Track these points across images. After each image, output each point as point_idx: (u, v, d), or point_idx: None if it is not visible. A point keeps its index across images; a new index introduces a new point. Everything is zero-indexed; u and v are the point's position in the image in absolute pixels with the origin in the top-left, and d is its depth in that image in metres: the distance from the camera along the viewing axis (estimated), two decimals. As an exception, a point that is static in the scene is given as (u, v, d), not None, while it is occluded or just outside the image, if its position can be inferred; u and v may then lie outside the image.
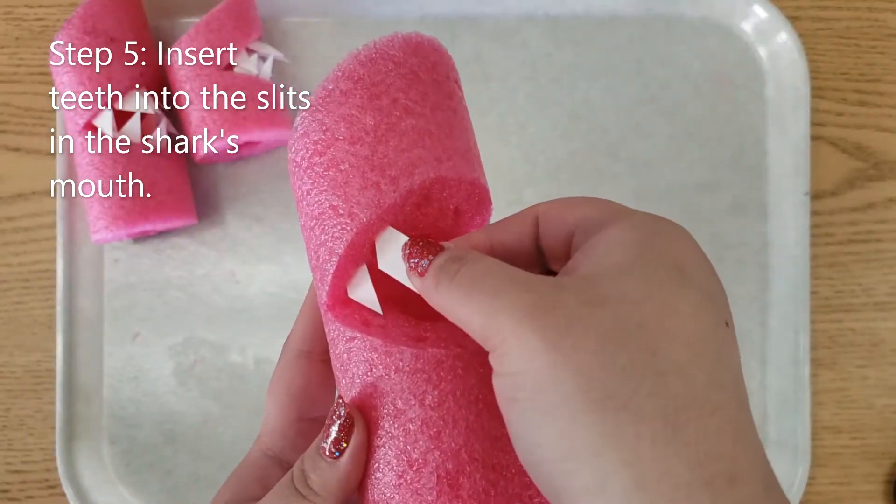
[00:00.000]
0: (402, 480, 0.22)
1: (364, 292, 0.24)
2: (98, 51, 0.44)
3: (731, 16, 0.49)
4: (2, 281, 0.50)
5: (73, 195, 0.48)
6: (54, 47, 0.44)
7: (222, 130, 0.44)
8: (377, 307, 0.24)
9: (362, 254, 0.24)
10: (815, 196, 0.50)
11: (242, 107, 0.45)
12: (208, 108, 0.44)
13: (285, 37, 0.49)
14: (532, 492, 0.23)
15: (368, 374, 0.23)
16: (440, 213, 0.26)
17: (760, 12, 0.49)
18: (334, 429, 0.23)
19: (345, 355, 0.24)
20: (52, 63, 0.45)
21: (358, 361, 0.24)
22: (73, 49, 0.44)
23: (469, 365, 0.23)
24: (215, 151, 0.46)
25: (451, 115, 0.24)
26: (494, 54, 0.49)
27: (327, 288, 0.24)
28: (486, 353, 0.20)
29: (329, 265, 0.24)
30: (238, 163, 0.49)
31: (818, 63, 0.51)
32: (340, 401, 0.24)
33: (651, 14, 0.50)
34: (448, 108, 0.24)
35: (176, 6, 0.49)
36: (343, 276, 0.24)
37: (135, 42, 0.45)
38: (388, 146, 0.23)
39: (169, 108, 0.48)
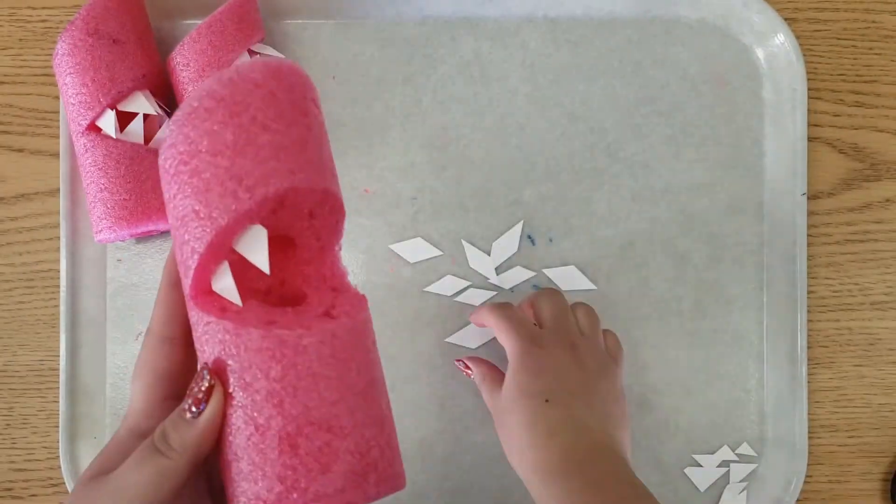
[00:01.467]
0: (250, 442, 0.26)
1: (225, 284, 0.28)
2: (101, 52, 0.44)
3: (729, 17, 0.50)
4: (6, 281, 0.50)
5: (77, 196, 0.48)
6: (57, 49, 0.44)
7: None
8: (236, 298, 0.28)
9: (222, 252, 0.28)
10: (813, 196, 0.51)
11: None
12: (210, 109, 0.45)
13: (287, 39, 0.50)
14: (369, 445, 0.27)
15: (223, 352, 0.27)
16: (295, 216, 0.29)
17: (758, 14, 0.49)
18: (196, 390, 0.26)
19: (204, 337, 0.27)
20: (55, 64, 0.45)
21: (213, 342, 0.27)
22: (77, 50, 0.44)
23: (311, 344, 0.27)
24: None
25: (305, 132, 0.28)
26: (494, 55, 0.50)
27: (190, 281, 0.27)
28: (329, 335, 0.27)
29: (191, 262, 0.27)
30: (240, 163, 0.49)
31: (815, 64, 0.51)
32: (205, 367, 0.27)
33: (649, 16, 0.50)
34: (303, 125, 0.28)
35: (178, 8, 0.49)
36: (205, 271, 0.28)
37: (137, 43, 0.45)
38: (246, 159, 0.26)
39: (171, 109, 0.48)
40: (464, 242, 0.49)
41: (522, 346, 0.42)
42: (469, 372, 0.46)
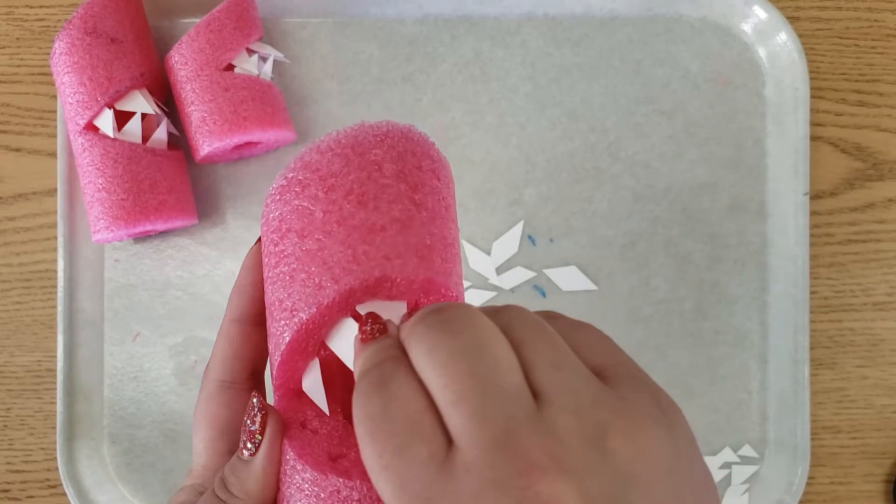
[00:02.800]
0: None
1: (311, 384, 0.24)
2: (98, 51, 0.44)
3: (731, 16, 0.49)
4: (3, 281, 0.50)
5: (74, 195, 0.48)
6: (55, 48, 0.44)
7: (222, 131, 0.44)
8: (323, 403, 0.24)
9: (309, 348, 0.24)
10: (815, 196, 0.50)
11: (243, 107, 0.45)
12: (209, 108, 0.44)
13: (285, 37, 0.49)
14: None
15: (282, 474, 0.24)
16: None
17: (760, 13, 0.49)
18: (249, 423, 0.23)
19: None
20: (52, 63, 0.45)
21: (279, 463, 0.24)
22: (74, 49, 0.44)
23: (362, 500, 0.22)
24: (216, 152, 0.46)
25: (411, 209, 0.24)
26: (494, 54, 0.49)
27: (274, 373, 0.24)
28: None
29: (276, 356, 0.24)
30: (238, 163, 0.49)
31: (818, 63, 0.51)
32: (254, 396, 0.24)
33: (650, 14, 0.50)
34: (410, 201, 0.24)
35: (176, 7, 0.49)
36: (289, 367, 0.24)
37: (135, 42, 0.45)
38: (336, 241, 0.23)
39: (169, 108, 0.48)
40: (464, 242, 0.49)
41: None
42: None
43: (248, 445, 0.23)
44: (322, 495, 0.22)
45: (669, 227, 0.49)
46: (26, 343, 0.50)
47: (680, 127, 0.49)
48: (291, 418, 0.24)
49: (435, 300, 0.24)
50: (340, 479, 0.22)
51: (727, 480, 0.49)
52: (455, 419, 0.18)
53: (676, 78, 0.50)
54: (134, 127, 0.45)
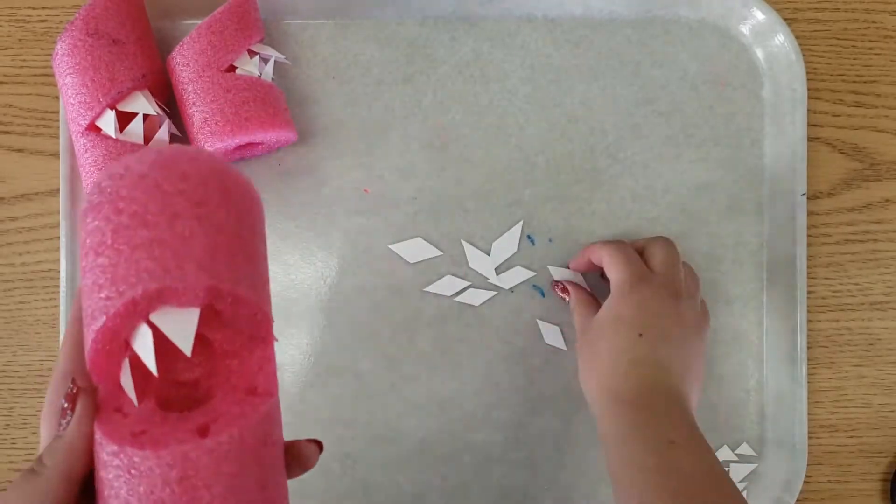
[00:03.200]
0: None
1: (124, 380, 0.27)
2: (101, 52, 0.44)
3: (729, 18, 0.50)
4: (6, 281, 0.50)
5: (77, 196, 0.48)
6: (57, 49, 0.44)
7: (224, 132, 0.45)
8: (132, 395, 0.27)
9: (116, 348, 0.27)
10: (812, 196, 0.51)
11: (244, 108, 0.45)
12: (210, 109, 0.45)
13: (287, 39, 0.50)
14: None
15: (95, 453, 0.27)
16: (204, 316, 0.27)
17: (758, 14, 0.49)
18: (63, 402, 0.26)
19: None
20: (54, 64, 0.45)
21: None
22: (76, 51, 0.44)
23: (155, 467, 0.25)
24: (217, 152, 0.46)
25: (193, 224, 0.26)
26: (494, 56, 0.50)
27: (89, 368, 0.27)
28: (180, 458, 0.25)
29: (87, 356, 0.27)
30: (239, 163, 0.49)
31: (815, 64, 0.51)
32: (71, 380, 0.27)
33: (649, 16, 0.50)
34: (192, 217, 0.26)
35: (178, 8, 0.49)
36: (102, 365, 0.27)
37: (137, 43, 0.45)
38: (122, 257, 0.26)
39: (171, 109, 0.48)
40: (464, 242, 0.49)
41: (630, 279, 0.43)
42: (566, 296, 0.48)
43: (62, 421, 0.26)
44: (120, 466, 0.25)
45: (668, 227, 0.50)
46: (29, 342, 0.50)
47: (678, 128, 0.50)
48: (108, 404, 0.27)
49: (228, 304, 0.27)
50: (135, 450, 0.25)
51: (725, 479, 0.50)
52: (654, 266, 0.44)
53: (675, 79, 0.50)
54: (136, 128, 0.45)
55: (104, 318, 0.25)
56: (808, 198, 0.49)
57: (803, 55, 0.49)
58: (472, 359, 0.49)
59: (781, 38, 0.49)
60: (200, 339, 0.29)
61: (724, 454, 0.49)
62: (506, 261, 0.49)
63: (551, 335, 0.49)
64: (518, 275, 0.49)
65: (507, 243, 0.49)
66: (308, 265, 0.49)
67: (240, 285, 0.27)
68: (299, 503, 0.49)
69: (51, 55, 0.48)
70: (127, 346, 0.27)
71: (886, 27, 0.51)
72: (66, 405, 0.26)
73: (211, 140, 0.45)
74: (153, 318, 0.26)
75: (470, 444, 0.49)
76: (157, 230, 0.26)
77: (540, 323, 0.49)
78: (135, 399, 0.27)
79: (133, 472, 0.25)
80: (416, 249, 0.49)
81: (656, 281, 0.43)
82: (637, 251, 0.45)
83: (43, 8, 0.50)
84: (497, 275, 0.49)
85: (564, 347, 0.49)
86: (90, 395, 0.27)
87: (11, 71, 0.50)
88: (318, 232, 0.49)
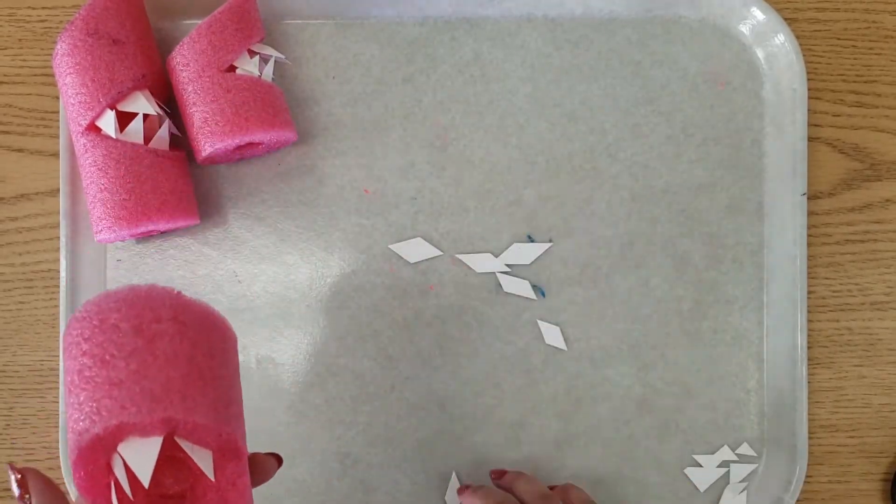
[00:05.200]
0: None
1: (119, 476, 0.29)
2: (101, 52, 0.44)
3: (729, 17, 0.50)
4: (5, 281, 0.50)
5: (76, 196, 0.48)
6: (57, 49, 0.44)
7: (224, 131, 0.45)
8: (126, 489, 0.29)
9: (95, 467, 0.29)
10: (813, 196, 0.51)
11: (244, 108, 0.45)
12: (210, 109, 0.45)
13: (287, 39, 0.50)
14: None
15: None
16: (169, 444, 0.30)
17: (758, 14, 0.49)
18: (15, 489, 0.28)
19: None
20: (54, 64, 0.45)
21: None
22: (76, 50, 0.44)
23: None
24: (218, 152, 0.46)
25: (148, 359, 0.29)
26: (494, 55, 0.50)
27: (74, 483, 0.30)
28: None
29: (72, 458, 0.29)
30: (240, 164, 0.49)
31: (815, 64, 0.51)
32: (9, 467, 0.29)
33: (649, 15, 0.50)
34: (147, 352, 0.29)
35: (178, 8, 0.49)
36: (85, 480, 0.30)
37: (137, 44, 0.45)
38: (86, 395, 0.28)
39: (171, 109, 0.48)
40: (460, 257, 0.49)
41: None
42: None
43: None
44: None
45: (668, 227, 0.50)
46: (29, 342, 0.50)
47: (678, 127, 0.50)
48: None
49: (187, 431, 0.30)
50: None
51: (725, 479, 0.50)
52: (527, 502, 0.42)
53: (675, 79, 0.50)
54: (136, 128, 0.45)
55: (77, 450, 0.29)
56: (808, 198, 0.49)
57: (803, 55, 0.49)
58: (472, 359, 0.49)
59: (782, 38, 0.49)
60: (175, 461, 0.32)
61: (724, 454, 0.49)
62: (507, 263, 0.49)
63: (551, 335, 0.49)
64: (518, 275, 0.49)
65: (527, 251, 0.49)
66: (308, 265, 0.49)
67: (195, 413, 0.29)
68: (300, 503, 0.49)
69: (51, 55, 0.48)
70: (108, 467, 0.30)
71: (887, 27, 0.51)
72: (20, 492, 0.28)
73: (211, 140, 0.45)
74: (120, 449, 0.29)
75: (470, 444, 0.49)
76: (115, 370, 0.28)
77: (540, 323, 0.49)
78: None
79: None
80: (416, 249, 0.49)
81: None
82: (504, 489, 0.45)
83: (43, 8, 0.50)
84: (497, 274, 0.49)
85: (564, 347, 0.49)
86: (38, 476, 0.29)
87: (11, 71, 0.50)
88: (318, 232, 0.49)
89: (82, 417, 0.28)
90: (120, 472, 0.29)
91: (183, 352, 0.30)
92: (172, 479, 0.31)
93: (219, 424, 0.30)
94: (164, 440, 0.29)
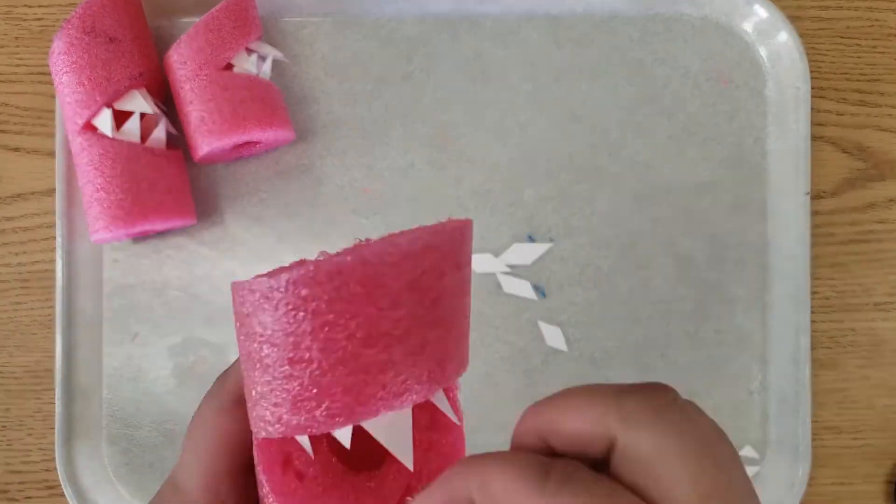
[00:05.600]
0: None
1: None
2: (97, 50, 0.44)
3: (732, 15, 0.49)
4: (1, 281, 0.50)
5: (73, 195, 0.48)
6: (53, 47, 0.44)
7: (221, 130, 0.44)
8: (308, 446, 0.22)
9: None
10: (816, 196, 0.50)
11: (242, 106, 0.44)
12: (208, 107, 0.44)
13: (285, 36, 0.49)
14: None
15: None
16: None
17: (761, 12, 0.48)
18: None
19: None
20: (51, 63, 0.44)
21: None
22: (73, 49, 0.44)
23: None
24: (215, 151, 0.46)
25: (426, 332, 0.22)
26: (494, 54, 0.49)
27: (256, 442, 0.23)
28: None
29: (258, 433, 0.22)
30: (237, 163, 0.49)
31: (819, 63, 0.51)
32: None
33: (651, 13, 0.50)
34: (425, 325, 0.22)
35: (175, 6, 0.48)
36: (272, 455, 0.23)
37: (134, 42, 0.45)
38: (332, 379, 0.20)
39: (168, 107, 0.48)
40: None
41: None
42: None
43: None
44: None
45: (670, 227, 0.49)
46: (25, 343, 0.50)
47: (680, 126, 0.49)
48: (276, 455, 0.22)
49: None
50: None
51: (728, 481, 0.49)
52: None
53: (677, 77, 0.49)
54: (132, 126, 0.45)
55: (310, 428, 0.21)
56: (811, 197, 0.49)
57: (807, 53, 0.48)
58: (472, 359, 0.49)
59: (785, 36, 0.48)
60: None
61: (726, 456, 0.49)
62: (507, 264, 0.49)
63: (552, 336, 0.49)
64: (518, 275, 0.49)
65: (527, 251, 0.49)
66: (306, 265, 0.49)
67: (455, 376, 0.24)
68: None
69: (47, 53, 0.47)
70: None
71: (890, 25, 0.51)
72: None
73: (208, 139, 0.44)
74: (365, 425, 0.21)
75: (470, 444, 0.49)
76: (382, 354, 0.21)
77: (540, 323, 0.49)
78: (308, 448, 0.23)
79: None
80: (415, 249, 0.49)
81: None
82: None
83: (39, 6, 0.50)
84: (497, 274, 0.49)
85: (565, 348, 0.49)
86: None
87: (7, 69, 0.50)
88: (318, 232, 0.49)
89: (317, 405, 0.20)
90: (344, 436, 0.22)
91: (457, 307, 0.23)
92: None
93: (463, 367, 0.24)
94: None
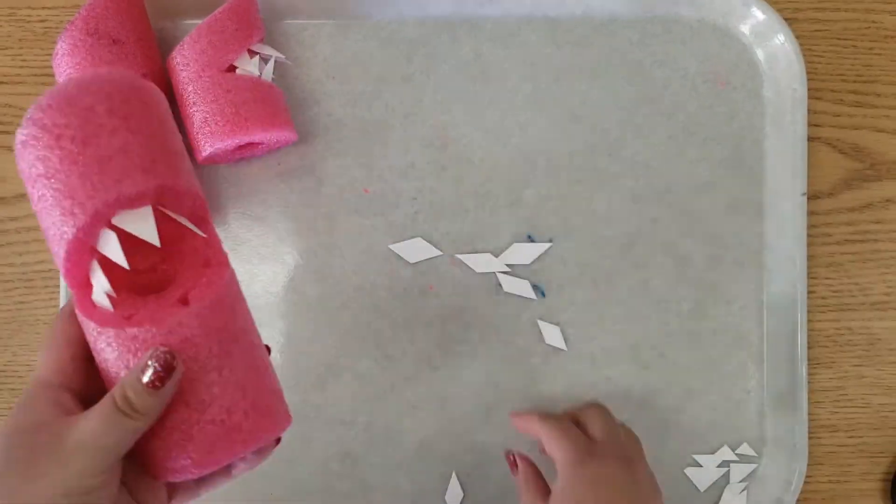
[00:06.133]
0: None
1: (97, 287, 0.31)
2: (101, 52, 0.44)
3: (729, 17, 0.50)
4: (5, 280, 0.50)
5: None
6: (57, 48, 0.44)
7: (224, 131, 0.45)
8: (105, 302, 0.31)
9: (84, 255, 0.31)
10: (813, 196, 0.51)
11: (244, 108, 0.45)
12: (210, 109, 0.45)
13: (287, 39, 0.50)
14: (231, 409, 0.31)
15: (96, 345, 0.31)
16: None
17: (758, 14, 0.49)
18: (158, 367, 0.30)
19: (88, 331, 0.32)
20: (55, 64, 0.45)
21: (91, 336, 0.31)
22: (76, 50, 0.44)
23: (158, 336, 0.30)
24: (218, 152, 0.46)
25: (128, 137, 0.30)
26: (494, 55, 0.50)
27: (63, 274, 0.31)
28: (176, 325, 0.30)
29: (60, 266, 0.31)
30: (240, 163, 0.49)
31: (815, 64, 0.51)
32: (163, 349, 0.30)
33: (649, 15, 0.50)
34: (126, 130, 0.30)
35: (178, 8, 0.49)
36: (74, 269, 0.31)
37: (137, 43, 0.45)
38: (75, 177, 0.30)
39: (171, 109, 0.48)
40: (460, 257, 0.49)
41: (577, 456, 0.41)
42: (515, 469, 0.45)
43: (157, 383, 0.29)
44: (124, 341, 0.30)
45: (668, 227, 0.50)
46: (29, 342, 0.50)
47: (679, 127, 0.50)
48: (88, 299, 0.31)
49: (171, 197, 0.32)
50: (136, 328, 0.30)
51: (725, 479, 0.50)
52: (595, 434, 0.43)
53: (675, 79, 0.50)
54: (136, 127, 0.45)
55: (74, 230, 0.30)
56: (808, 198, 0.49)
57: (803, 55, 0.49)
58: (472, 359, 0.49)
59: (782, 38, 0.49)
60: (135, 239, 0.33)
61: (724, 454, 0.49)
62: (507, 263, 0.49)
63: (551, 335, 0.49)
64: (518, 275, 0.49)
65: (527, 251, 0.49)
66: (308, 265, 0.49)
67: (178, 179, 0.32)
68: (299, 503, 0.49)
69: (51, 55, 0.48)
70: (92, 252, 0.31)
71: (887, 27, 0.51)
72: (161, 373, 0.30)
73: (211, 140, 0.45)
74: (115, 221, 0.30)
75: (470, 444, 0.49)
76: (100, 149, 0.30)
77: (540, 323, 0.49)
78: (111, 291, 0.31)
79: (135, 347, 0.30)
80: (416, 249, 0.49)
81: (604, 452, 0.42)
82: (573, 422, 0.44)
83: (43, 8, 0.50)
84: (497, 275, 0.49)
85: (564, 347, 0.49)
86: (181, 365, 0.30)
87: (11, 71, 0.50)
88: (318, 232, 0.49)
89: (74, 199, 0.29)
90: (112, 248, 0.30)
91: (153, 128, 0.31)
92: (142, 255, 0.33)
93: (192, 187, 0.32)
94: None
